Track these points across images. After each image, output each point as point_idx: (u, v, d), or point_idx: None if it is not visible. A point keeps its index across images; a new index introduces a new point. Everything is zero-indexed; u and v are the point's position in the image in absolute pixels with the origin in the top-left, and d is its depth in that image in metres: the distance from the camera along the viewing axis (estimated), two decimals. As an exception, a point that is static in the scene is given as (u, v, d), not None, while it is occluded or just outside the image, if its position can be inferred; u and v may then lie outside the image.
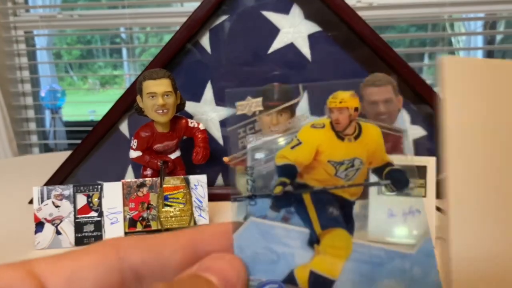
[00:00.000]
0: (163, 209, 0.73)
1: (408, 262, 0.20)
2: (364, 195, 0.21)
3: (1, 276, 0.18)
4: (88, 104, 1.61)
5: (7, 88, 1.45)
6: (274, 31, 0.89)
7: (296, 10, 0.88)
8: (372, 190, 0.21)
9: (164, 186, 0.74)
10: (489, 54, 1.38)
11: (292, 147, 0.22)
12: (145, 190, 0.74)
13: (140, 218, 0.73)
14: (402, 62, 0.84)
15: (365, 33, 0.84)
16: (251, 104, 0.22)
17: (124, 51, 1.53)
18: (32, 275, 0.18)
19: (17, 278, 0.18)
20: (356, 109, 0.22)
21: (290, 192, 0.21)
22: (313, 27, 0.88)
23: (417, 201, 0.21)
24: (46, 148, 1.54)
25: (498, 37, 1.39)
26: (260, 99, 0.22)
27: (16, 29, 1.47)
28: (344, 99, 0.22)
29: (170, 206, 0.74)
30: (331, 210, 0.21)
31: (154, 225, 0.73)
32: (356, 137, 0.22)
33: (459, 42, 1.42)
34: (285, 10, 0.88)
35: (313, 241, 0.20)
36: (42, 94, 1.51)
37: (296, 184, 0.21)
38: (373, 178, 0.22)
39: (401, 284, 0.19)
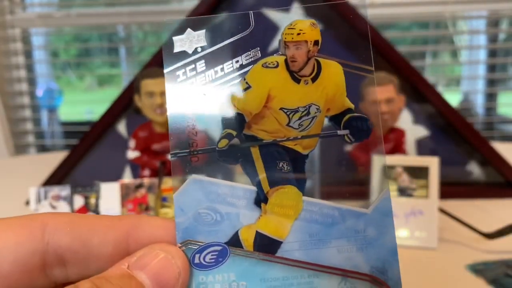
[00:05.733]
0: (161, 211, 0.72)
1: (362, 222, 0.18)
2: (319, 148, 0.19)
3: None
4: (86, 103, 1.59)
5: (4, 87, 1.44)
6: (274, 29, 0.87)
7: (297, 8, 0.87)
8: (324, 141, 0.19)
9: (162, 187, 0.73)
10: (492, 53, 1.37)
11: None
12: (143, 191, 0.73)
13: (138, 220, 0.72)
14: (404, 61, 0.83)
15: (366, 31, 0.83)
16: (192, 39, 0.18)
17: (122, 50, 1.52)
18: None
19: None
20: (316, 42, 0.19)
21: (237, 146, 0.19)
22: (314, 25, 0.87)
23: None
24: (43, 148, 1.52)
25: (501, 36, 1.38)
26: (203, 32, 0.19)
27: (13, 27, 1.46)
28: (303, 29, 0.19)
29: (169, 207, 0.73)
30: (281, 165, 0.19)
31: (152, 227, 0.72)
32: (314, 79, 0.19)
33: (461, 40, 1.41)
34: (286, 8, 0.87)
35: (260, 200, 0.18)
36: (39, 93, 1.49)
37: (243, 136, 0.19)
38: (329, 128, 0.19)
39: (353, 245, 0.18)
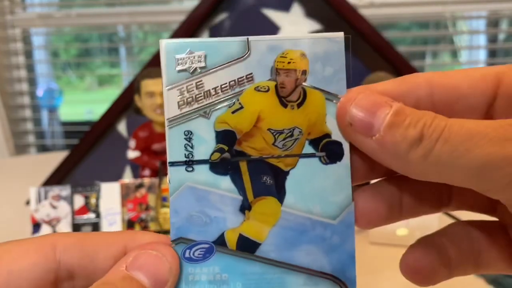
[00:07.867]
0: (161, 210, 0.72)
1: (329, 231, 0.21)
2: (298, 166, 0.22)
3: None
4: (86, 103, 1.59)
5: (4, 87, 1.44)
6: (274, 29, 0.88)
7: (296, 8, 0.87)
8: (303, 161, 0.21)
9: (162, 187, 0.73)
10: (492, 53, 1.37)
11: (233, 112, 0.21)
12: (143, 191, 0.73)
13: (139, 220, 0.72)
14: (404, 61, 0.83)
15: (366, 32, 0.83)
16: (193, 59, 0.20)
17: (122, 50, 1.52)
18: None
19: None
20: (304, 72, 0.21)
21: (227, 159, 0.21)
22: (314, 25, 0.87)
23: (344, 172, 0.21)
24: (43, 148, 1.52)
25: (501, 36, 1.38)
26: (203, 53, 0.21)
27: (13, 27, 1.46)
28: (293, 59, 0.20)
29: (168, 207, 0.73)
30: (265, 179, 0.21)
31: (152, 227, 0.72)
32: (300, 105, 0.21)
33: (461, 40, 1.41)
34: (286, 8, 0.87)
35: (245, 207, 0.21)
36: (40, 93, 1.49)
37: (233, 151, 0.21)
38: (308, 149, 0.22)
39: (320, 249, 0.21)
